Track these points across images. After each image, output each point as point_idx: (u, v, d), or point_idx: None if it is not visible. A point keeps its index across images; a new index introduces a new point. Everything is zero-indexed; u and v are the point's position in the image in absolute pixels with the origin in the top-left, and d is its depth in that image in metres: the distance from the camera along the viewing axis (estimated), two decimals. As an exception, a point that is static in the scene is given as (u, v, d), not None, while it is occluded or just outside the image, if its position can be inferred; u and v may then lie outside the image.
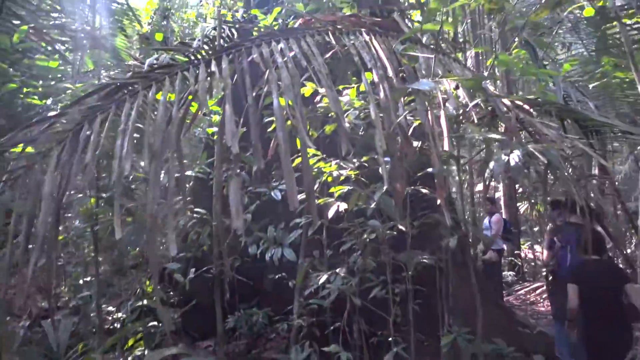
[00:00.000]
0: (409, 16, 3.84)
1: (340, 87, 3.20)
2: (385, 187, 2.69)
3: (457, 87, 2.99)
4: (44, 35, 5.28)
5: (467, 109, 2.99)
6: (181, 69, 1.92)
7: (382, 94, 2.30)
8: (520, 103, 3.38)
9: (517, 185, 10.82)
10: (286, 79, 1.90)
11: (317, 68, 2.10)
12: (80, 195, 3.72)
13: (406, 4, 4.25)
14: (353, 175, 3.34)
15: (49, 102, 3.81)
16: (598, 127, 4.61)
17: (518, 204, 12.48)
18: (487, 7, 1.94)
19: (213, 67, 1.92)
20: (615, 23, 6.26)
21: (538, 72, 3.09)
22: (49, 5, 5.27)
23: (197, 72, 1.90)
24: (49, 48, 5.04)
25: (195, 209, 5.06)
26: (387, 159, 2.25)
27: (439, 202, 2.36)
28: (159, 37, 4.88)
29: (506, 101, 3.23)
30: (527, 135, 3.98)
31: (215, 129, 4.05)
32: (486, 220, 7.55)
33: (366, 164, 3.35)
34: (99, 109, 1.66)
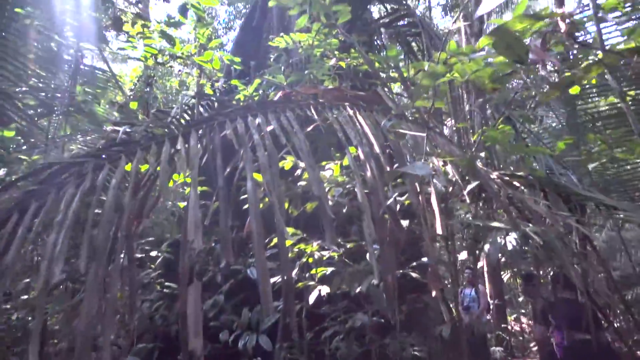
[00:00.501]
0: (390, 88, 3.77)
1: (323, 163, 3.02)
2: (373, 280, 2.42)
3: (445, 164, 2.84)
4: (14, 100, 5.07)
5: (455, 187, 2.82)
6: (142, 146, 1.69)
7: (369, 173, 2.09)
8: (508, 179, 3.25)
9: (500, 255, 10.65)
10: (263, 157, 1.68)
11: (299, 146, 1.89)
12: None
13: (386, 76, 4.22)
14: (336, 257, 3.07)
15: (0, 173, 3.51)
16: (582, 201, 4.52)
17: (502, 273, 12.26)
18: (490, 86, 1.80)
19: (179, 145, 1.69)
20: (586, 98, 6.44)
21: (529, 150, 2.97)
22: (22, 69, 5.10)
23: (162, 149, 1.67)
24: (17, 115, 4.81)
25: (166, 283, 4.65)
26: (376, 246, 2.00)
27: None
28: (133, 105, 4.72)
29: (494, 176, 3.10)
30: (516, 210, 3.83)
31: (186, 203, 3.77)
32: (468, 291, 7.23)
33: (350, 243, 3.09)
34: (35, 194, 1.39)
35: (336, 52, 4.20)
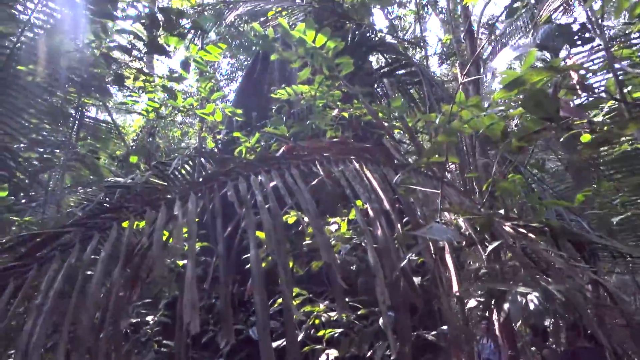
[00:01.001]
0: (394, 139, 3.70)
1: (329, 219, 2.89)
2: (386, 345, 2.23)
3: (457, 216, 2.71)
4: (15, 156, 5.02)
5: (466, 243, 2.67)
6: (135, 212, 1.57)
7: (379, 231, 1.96)
8: (523, 230, 3.11)
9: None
10: (267, 222, 1.56)
11: (305, 206, 1.77)
12: None
13: (390, 126, 4.18)
14: (344, 317, 2.87)
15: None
16: (596, 249, 4.35)
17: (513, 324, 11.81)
18: (515, 144, 1.71)
19: (176, 210, 1.58)
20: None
21: (546, 203, 2.85)
22: (24, 124, 5.08)
23: (158, 214, 1.55)
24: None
25: (164, 341, 4.40)
26: (390, 313, 1.84)
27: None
28: (133, 159, 4.66)
29: (508, 228, 2.95)
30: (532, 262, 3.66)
31: (185, 261, 3.62)
32: (485, 341, 6.87)
33: (360, 306, 2.90)
34: (13, 271, 1.26)
35: (338, 103, 4.17)
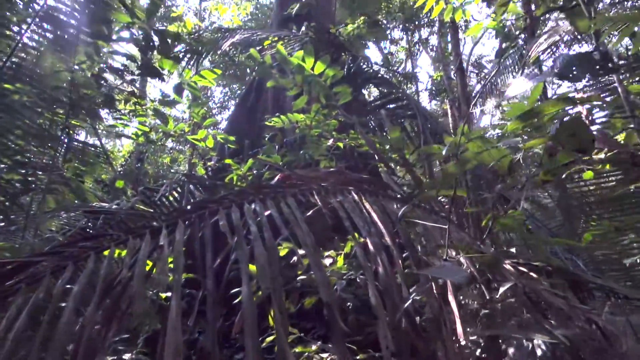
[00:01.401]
0: (393, 170, 3.62)
1: (324, 253, 2.75)
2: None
3: (458, 253, 2.59)
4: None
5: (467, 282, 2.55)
6: (116, 241, 1.43)
7: (380, 268, 1.83)
8: (523, 269, 2.99)
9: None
10: (261, 255, 1.42)
11: (302, 239, 1.64)
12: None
13: (387, 157, 4.11)
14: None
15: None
16: (593, 288, 4.25)
17: None
18: (542, 177, 1.62)
19: (162, 239, 1.44)
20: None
21: (553, 242, 2.75)
22: (8, 146, 4.91)
23: (142, 243, 1.41)
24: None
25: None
26: None
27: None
28: (119, 184, 4.50)
29: (508, 266, 2.84)
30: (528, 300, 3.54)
31: (169, 294, 3.42)
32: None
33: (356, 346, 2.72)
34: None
35: (333, 133, 4.10)
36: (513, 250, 3.26)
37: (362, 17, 6.52)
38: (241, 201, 1.77)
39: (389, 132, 3.29)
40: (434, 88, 19.46)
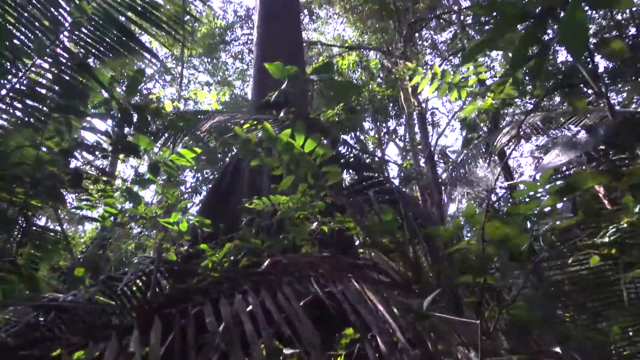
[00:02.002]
0: (389, 254, 3.36)
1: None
2: None
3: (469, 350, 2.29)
4: None
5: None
6: (70, 347, 1.08)
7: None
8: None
9: None
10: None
11: (306, 338, 1.34)
12: None
13: (376, 242, 3.87)
14: None
15: None
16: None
17: None
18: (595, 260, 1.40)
19: (133, 344, 1.10)
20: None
21: (573, 334, 2.50)
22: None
23: (105, 347, 1.07)
24: None
25: None
26: None
27: None
28: (79, 272, 4.05)
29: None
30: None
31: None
32: None
33: None
34: None
35: (318, 216, 3.87)
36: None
37: (340, 104, 6.64)
38: (231, 291, 1.47)
39: (379, 214, 3.10)
40: (402, 174, 19.91)
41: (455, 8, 18.80)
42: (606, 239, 2.88)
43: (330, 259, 2.37)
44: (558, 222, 1.56)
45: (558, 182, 1.55)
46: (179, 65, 21.17)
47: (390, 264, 2.80)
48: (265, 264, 2.24)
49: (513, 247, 1.62)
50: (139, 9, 4.07)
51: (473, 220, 1.90)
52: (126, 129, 3.14)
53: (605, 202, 1.69)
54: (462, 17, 19.07)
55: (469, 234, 2.32)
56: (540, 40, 1.71)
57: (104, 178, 3.73)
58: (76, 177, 3.45)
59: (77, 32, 3.76)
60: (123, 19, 4.04)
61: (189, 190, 14.56)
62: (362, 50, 21.57)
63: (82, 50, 3.77)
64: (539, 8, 1.60)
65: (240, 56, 22.95)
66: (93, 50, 3.75)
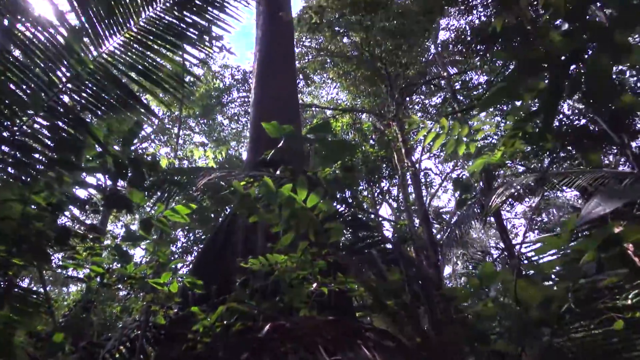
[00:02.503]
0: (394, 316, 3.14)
1: None
2: None
3: None
4: None
5: None
6: None
7: None
8: None
9: None
10: None
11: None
12: None
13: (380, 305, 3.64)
14: None
15: None
16: None
17: None
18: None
19: None
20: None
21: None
22: None
23: None
24: None
25: None
26: None
27: None
28: (58, 337, 3.75)
29: None
30: None
31: None
32: None
33: None
34: None
35: (318, 276, 3.67)
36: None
37: (337, 162, 6.62)
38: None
39: (384, 274, 2.93)
40: (396, 235, 19.68)
41: (444, 74, 19.57)
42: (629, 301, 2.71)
43: (337, 324, 2.17)
44: (602, 280, 1.42)
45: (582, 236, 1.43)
46: (176, 125, 21.49)
47: (393, 328, 2.59)
48: (266, 329, 2.04)
49: (545, 308, 1.47)
50: (140, 67, 4.10)
51: (493, 279, 1.75)
52: (119, 183, 3.02)
53: (636, 260, 1.56)
54: (451, 83, 19.82)
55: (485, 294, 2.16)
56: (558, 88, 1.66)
57: (93, 235, 3.55)
58: (63, 234, 3.27)
59: (76, 87, 3.74)
60: (120, 71, 4.04)
61: (180, 250, 14.19)
62: (355, 112, 22.14)
63: (79, 105, 3.73)
64: (567, 52, 1.55)
65: (236, 117, 23.42)
66: (91, 106, 3.71)
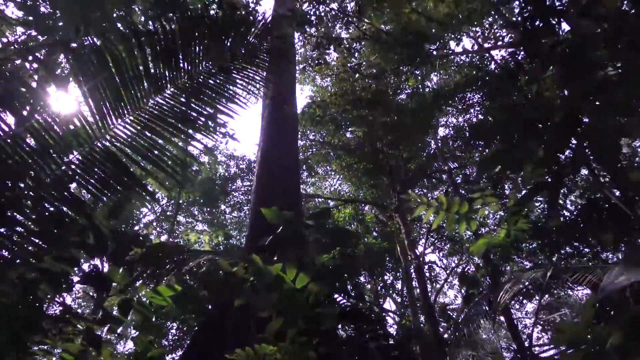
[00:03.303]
0: None
1: None
2: None
3: None
4: None
5: None
6: None
7: None
8: None
9: None
10: None
11: None
12: None
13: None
14: None
15: None
16: None
17: None
18: None
19: None
20: None
21: None
22: None
23: None
24: None
25: None
26: None
27: None
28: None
29: None
30: None
31: None
32: None
33: None
34: None
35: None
36: None
37: (337, 249, 6.39)
38: None
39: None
40: (401, 331, 18.72)
41: (445, 168, 19.90)
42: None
43: None
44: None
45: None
46: (179, 214, 21.51)
47: None
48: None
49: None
50: (144, 150, 4.05)
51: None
52: (97, 260, 2.83)
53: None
54: (452, 177, 20.07)
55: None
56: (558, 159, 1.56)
57: (68, 317, 3.27)
58: (35, 314, 3.01)
59: (84, 173, 3.63)
60: (125, 154, 4.00)
61: (171, 343, 13.37)
62: (357, 204, 22.18)
63: (85, 190, 3.62)
64: (565, 113, 1.48)
65: (238, 206, 23.48)
66: (96, 192, 3.57)
